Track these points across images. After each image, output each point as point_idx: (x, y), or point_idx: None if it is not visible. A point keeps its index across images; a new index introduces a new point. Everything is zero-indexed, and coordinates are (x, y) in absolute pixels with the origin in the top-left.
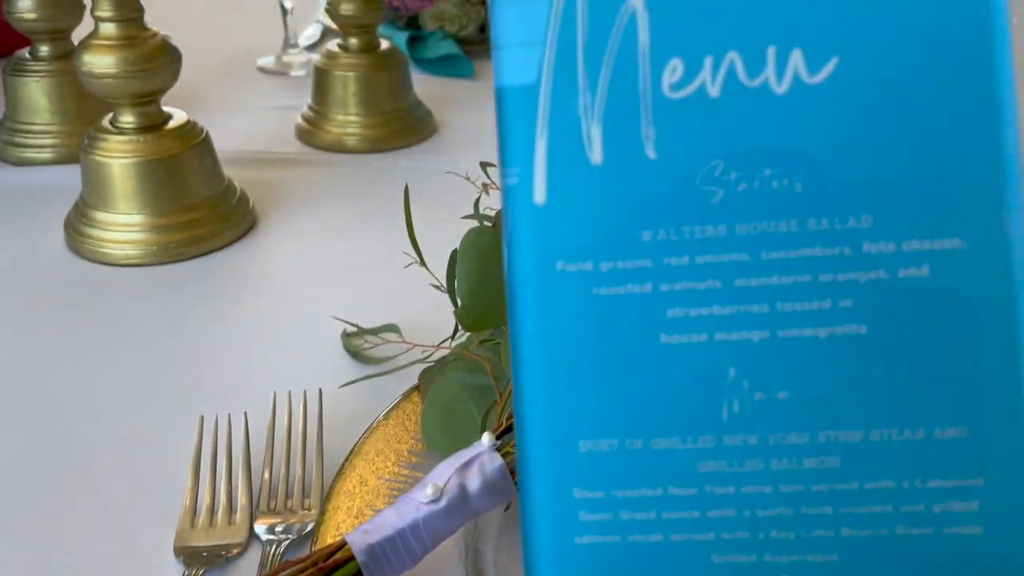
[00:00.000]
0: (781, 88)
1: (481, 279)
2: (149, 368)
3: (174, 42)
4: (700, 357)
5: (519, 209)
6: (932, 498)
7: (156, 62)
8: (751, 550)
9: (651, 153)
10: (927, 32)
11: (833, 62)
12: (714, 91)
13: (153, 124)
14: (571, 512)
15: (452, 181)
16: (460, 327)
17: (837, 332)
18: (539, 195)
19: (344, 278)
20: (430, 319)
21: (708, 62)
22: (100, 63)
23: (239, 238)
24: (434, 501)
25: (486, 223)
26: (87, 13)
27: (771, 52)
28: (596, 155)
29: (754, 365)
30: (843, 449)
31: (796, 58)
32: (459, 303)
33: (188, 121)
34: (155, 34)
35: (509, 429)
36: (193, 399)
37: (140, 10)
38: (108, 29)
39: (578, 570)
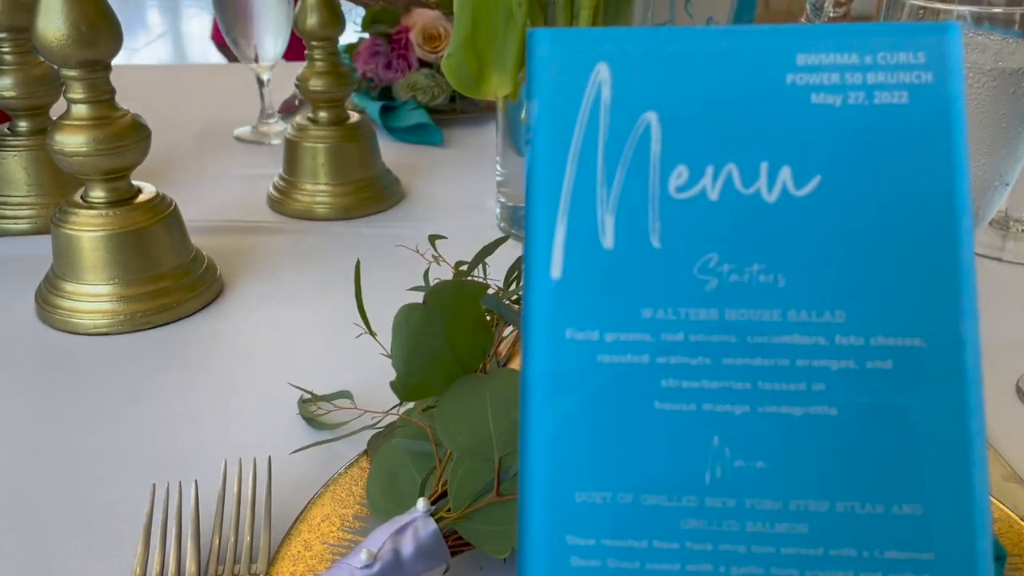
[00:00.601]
0: (771, 197)
1: (414, 352)
2: (108, 435)
3: (156, 115)
4: (689, 424)
5: (538, 282)
6: (888, 568)
7: (126, 140)
8: None
9: (656, 243)
10: (898, 161)
11: (817, 179)
12: (713, 195)
13: (123, 198)
14: (563, 557)
15: (410, 246)
16: (398, 398)
17: (810, 412)
18: (556, 271)
19: (304, 345)
20: (382, 385)
21: (710, 170)
22: (71, 142)
23: (205, 306)
24: (368, 566)
25: (417, 303)
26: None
27: (764, 167)
28: (608, 240)
29: (736, 435)
30: (811, 517)
31: (785, 173)
32: (395, 375)
33: (157, 194)
34: (125, 113)
35: (444, 495)
36: (149, 466)
37: (111, 92)
38: (80, 110)
39: None
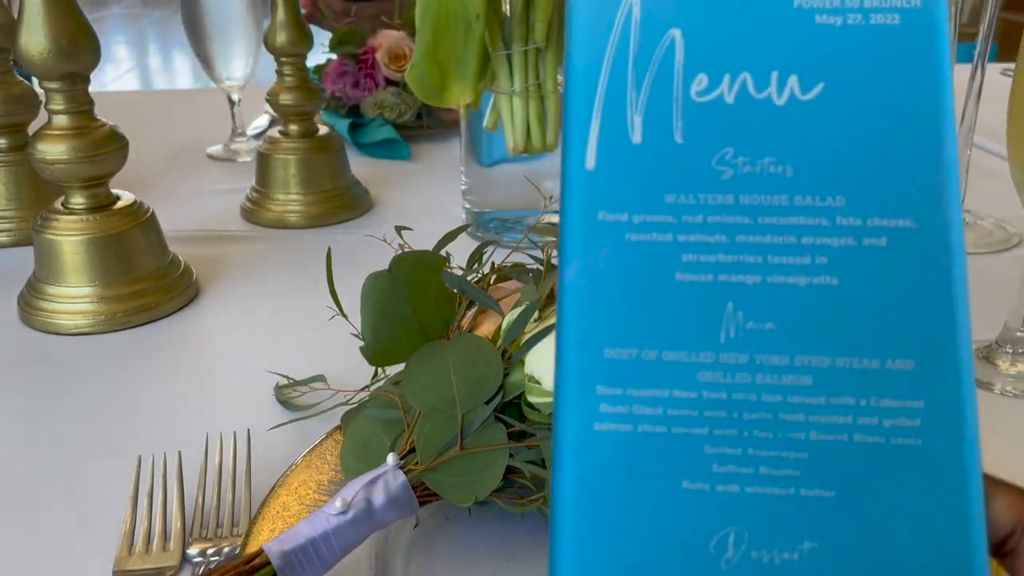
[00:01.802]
0: (780, 101)
1: (381, 318)
2: (93, 423)
3: (130, 137)
4: (706, 292)
5: (574, 172)
6: (883, 414)
7: (105, 148)
8: (737, 444)
9: (679, 139)
10: (891, 71)
11: (820, 86)
12: (730, 99)
13: (102, 204)
14: (593, 405)
15: (380, 250)
16: (368, 362)
17: (814, 281)
18: (590, 162)
19: (278, 339)
20: (354, 369)
21: (726, 78)
22: (52, 151)
23: (182, 307)
24: (342, 513)
25: (383, 271)
26: (43, 108)
27: (774, 75)
28: (636, 136)
29: (748, 301)
30: (814, 371)
31: (793, 81)
32: (364, 342)
33: (135, 201)
34: (103, 124)
35: (412, 451)
36: (134, 447)
37: (90, 103)
38: (61, 120)
39: (596, 451)
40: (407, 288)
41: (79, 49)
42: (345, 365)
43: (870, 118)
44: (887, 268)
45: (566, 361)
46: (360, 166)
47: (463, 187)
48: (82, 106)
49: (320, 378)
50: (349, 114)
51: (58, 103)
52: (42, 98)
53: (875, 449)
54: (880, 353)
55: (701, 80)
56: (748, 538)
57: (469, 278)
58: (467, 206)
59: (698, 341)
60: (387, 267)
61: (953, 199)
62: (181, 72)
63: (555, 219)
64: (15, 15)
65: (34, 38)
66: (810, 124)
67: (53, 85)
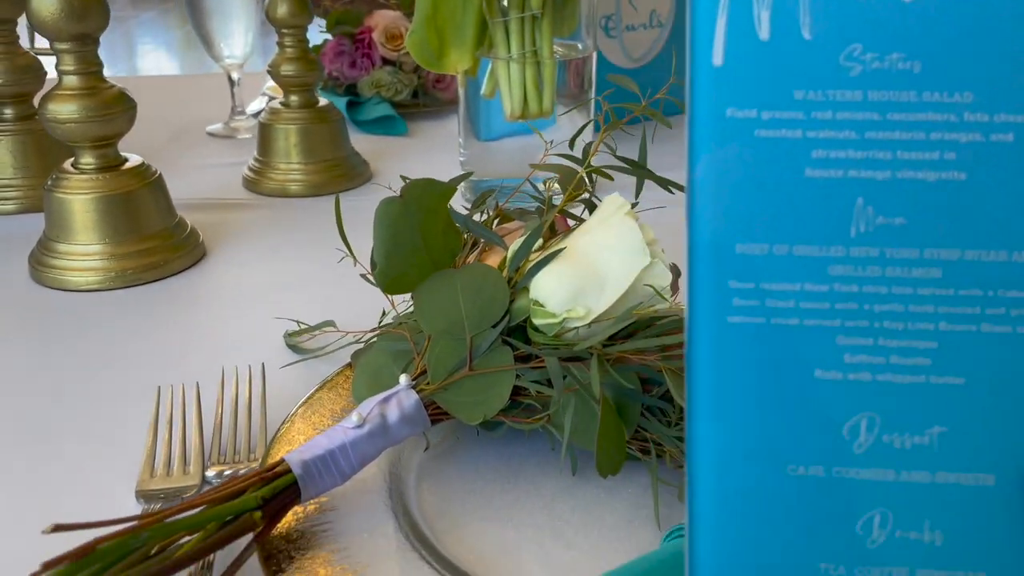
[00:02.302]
0: None
1: (393, 244)
2: (109, 366)
3: None
4: (836, 188)
5: (702, 69)
6: (1011, 305)
7: (114, 109)
8: (868, 335)
9: (807, 35)
10: None
11: None
12: None
13: (111, 165)
14: (726, 298)
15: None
16: (380, 289)
17: (942, 176)
18: (717, 59)
19: (285, 292)
20: (363, 312)
21: None
22: (63, 110)
23: (190, 266)
24: (358, 427)
25: (395, 196)
26: (47, 79)
27: None
28: (764, 32)
29: (878, 197)
30: (943, 263)
31: None
32: (376, 267)
33: (143, 163)
34: (112, 85)
35: (424, 374)
36: (151, 388)
37: (99, 64)
38: (71, 81)
39: (730, 344)
40: (418, 215)
41: (89, 10)
42: (350, 314)
43: (998, 12)
44: (1014, 163)
45: (698, 257)
46: (359, 141)
47: (461, 159)
48: (92, 67)
49: (330, 323)
50: (346, 93)
51: (69, 64)
52: (47, 69)
53: (1003, 338)
54: (1007, 245)
55: None
56: (880, 423)
57: (474, 219)
58: None
59: (829, 236)
60: (399, 193)
61: None
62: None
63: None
64: None
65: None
66: (938, 19)
67: (64, 46)
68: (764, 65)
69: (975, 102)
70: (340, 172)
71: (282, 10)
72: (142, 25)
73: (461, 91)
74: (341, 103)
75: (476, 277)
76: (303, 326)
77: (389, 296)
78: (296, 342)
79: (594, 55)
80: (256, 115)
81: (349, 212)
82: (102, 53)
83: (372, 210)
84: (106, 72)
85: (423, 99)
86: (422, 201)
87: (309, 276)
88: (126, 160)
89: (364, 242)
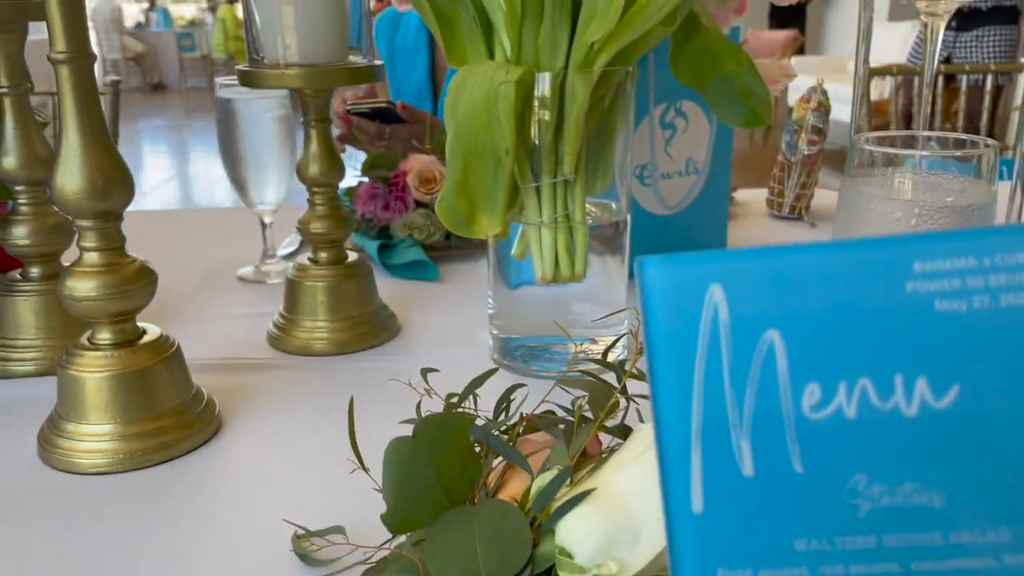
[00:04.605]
0: (911, 411)
1: (404, 484)
2: (103, 573)
3: (163, 256)
4: None
5: (679, 517)
6: None
7: (134, 285)
8: None
9: (798, 467)
10: None
11: (956, 388)
12: (851, 412)
13: (128, 340)
14: None
15: (406, 377)
16: (388, 531)
17: None
18: (697, 504)
19: (298, 480)
20: (376, 520)
21: (843, 386)
22: (82, 288)
23: (203, 443)
24: None
25: (407, 436)
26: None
27: (899, 379)
28: (747, 467)
29: None
30: None
31: (922, 384)
32: (385, 507)
33: (161, 335)
34: (134, 260)
35: None
36: None
37: (122, 240)
38: (91, 257)
39: None
40: (432, 453)
41: (113, 188)
42: (368, 511)
43: (1019, 420)
44: None
45: None
46: (388, 287)
47: (490, 311)
48: (113, 243)
49: (339, 530)
50: (379, 235)
51: (90, 240)
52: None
53: None
54: None
55: (813, 391)
56: None
57: (495, 429)
58: (494, 331)
59: None
60: (411, 422)
61: None
62: (220, 180)
63: (586, 367)
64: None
65: (69, 177)
66: (952, 437)
67: (86, 223)
68: (754, 508)
69: (1015, 540)
70: (366, 329)
71: (313, 168)
72: (195, 134)
73: (491, 249)
74: (373, 246)
75: (495, 518)
76: (310, 531)
77: None
78: (304, 550)
79: (628, 217)
80: (288, 257)
81: (373, 374)
82: (157, 160)
83: (397, 372)
84: (158, 177)
85: (455, 241)
86: (437, 438)
87: (325, 459)
88: (144, 333)
89: (386, 412)
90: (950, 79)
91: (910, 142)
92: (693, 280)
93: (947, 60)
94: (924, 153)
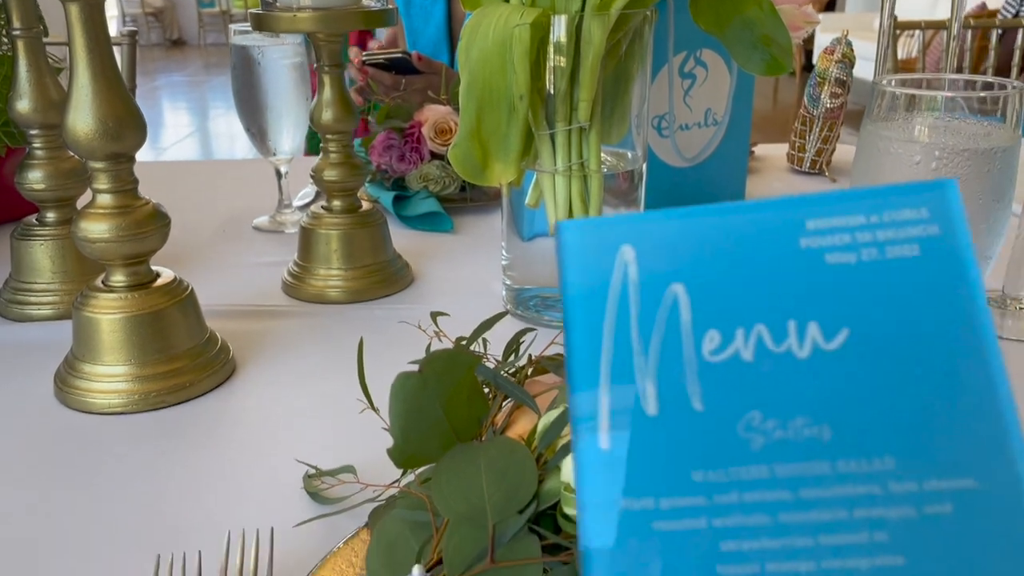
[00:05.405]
0: (803, 353)
1: (410, 419)
2: (119, 509)
3: (180, 206)
4: None
5: (587, 454)
6: None
7: (147, 227)
8: None
9: (698, 406)
10: (921, 307)
11: (844, 332)
12: (747, 356)
13: (142, 282)
14: None
15: (419, 327)
16: (395, 466)
17: (876, 563)
18: (604, 442)
19: (310, 422)
20: (385, 459)
21: (740, 333)
22: (95, 229)
23: (217, 386)
24: None
25: (413, 371)
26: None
27: (792, 325)
28: (651, 407)
29: None
30: None
31: (813, 329)
32: (392, 443)
33: (174, 279)
34: (147, 202)
35: (439, 562)
36: (156, 538)
37: (134, 182)
38: (104, 199)
39: None
40: (439, 388)
41: (125, 129)
42: (378, 452)
43: (907, 363)
44: (959, 540)
45: None
46: (403, 238)
47: (504, 262)
48: (126, 185)
49: (349, 469)
50: (394, 187)
51: (103, 182)
52: None
53: None
54: None
55: (712, 337)
56: None
57: (505, 370)
58: (507, 282)
59: None
60: (419, 363)
61: (1017, 448)
62: (239, 136)
63: None
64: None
65: (81, 119)
66: (840, 376)
67: (98, 165)
68: (656, 444)
69: (898, 469)
70: (380, 278)
71: (327, 115)
72: (214, 89)
73: (505, 199)
74: (388, 198)
75: (502, 455)
76: (321, 470)
77: None
78: (315, 488)
79: (644, 166)
80: (303, 207)
81: (386, 322)
82: (176, 117)
83: (410, 319)
84: (178, 133)
85: (470, 193)
86: (444, 374)
87: (337, 403)
88: (158, 276)
89: (397, 358)
90: (982, 33)
91: (934, 85)
92: (605, 241)
93: (1016, 15)
94: (947, 94)
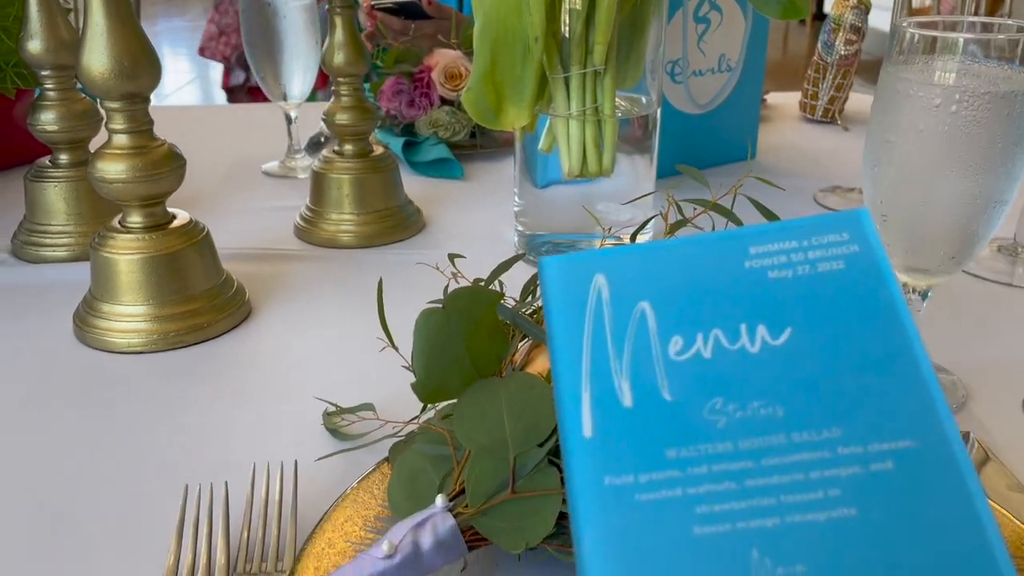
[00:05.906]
0: (755, 349)
1: (433, 355)
2: (142, 446)
3: (187, 152)
4: (727, 543)
5: (573, 441)
6: None
7: (163, 168)
8: None
9: (667, 396)
10: (850, 308)
11: (788, 330)
12: (707, 354)
13: (158, 223)
14: None
15: (431, 271)
16: (419, 400)
17: (833, 515)
18: (587, 431)
19: (328, 363)
20: (403, 398)
21: (699, 336)
22: (112, 170)
23: (235, 327)
24: (389, 557)
25: (437, 307)
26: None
27: (743, 327)
28: (627, 400)
29: (772, 546)
30: None
31: (762, 330)
32: (415, 378)
33: (190, 220)
34: (163, 143)
35: (462, 493)
36: (181, 473)
37: (149, 123)
38: (120, 140)
39: None
40: (461, 325)
41: (140, 69)
42: (396, 391)
43: (842, 351)
44: (902, 490)
45: None
46: (413, 184)
47: (516, 209)
48: (141, 125)
49: (369, 406)
50: (403, 132)
51: (118, 122)
52: (104, 115)
53: None
54: None
55: (677, 341)
56: None
57: (523, 310)
58: (520, 228)
59: None
60: (440, 302)
61: (943, 411)
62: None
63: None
64: (79, 32)
65: (96, 58)
66: (787, 364)
67: (114, 105)
68: (632, 430)
69: (844, 436)
70: (392, 223)
71: (339, 58)
72: None
73: (518, 144)
74: (397, 144)
75: (522, 390)
76: (340, 408)
77: None
78: (334, 425)
79: (658, 111)
80: (312, 146)
81: (399, 267)
82: (178, 63)
83: (423, 261)
84: (178, 80)
85: (481, 139)
86: (466, 311)
87: (354, 344)
88: (174, 218)
89: (412, 301)
90: None
91: (954, 27)
92: (581, 272)
93: None
94: (968, 35)
